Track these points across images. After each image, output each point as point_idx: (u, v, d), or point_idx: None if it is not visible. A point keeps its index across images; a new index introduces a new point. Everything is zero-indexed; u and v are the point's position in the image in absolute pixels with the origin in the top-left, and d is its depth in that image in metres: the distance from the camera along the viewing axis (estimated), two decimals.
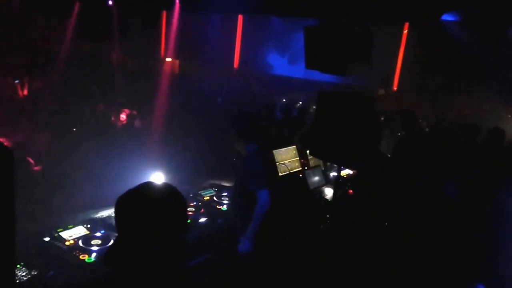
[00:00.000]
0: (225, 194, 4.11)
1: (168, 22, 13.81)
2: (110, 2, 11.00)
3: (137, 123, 6.87)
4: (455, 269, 2.96)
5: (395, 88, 9.70)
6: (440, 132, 6.26)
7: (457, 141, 5.39)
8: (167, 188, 1.43)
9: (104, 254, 1.38)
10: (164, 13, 13.74)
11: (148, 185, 1.43)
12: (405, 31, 9.45)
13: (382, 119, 7.98)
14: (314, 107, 6.56)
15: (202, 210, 3.70)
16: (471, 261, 3.00)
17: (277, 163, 4.76)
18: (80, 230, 3.00)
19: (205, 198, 3.99)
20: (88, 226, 3.07)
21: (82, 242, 2.86)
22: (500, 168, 3.73)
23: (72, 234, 2.94)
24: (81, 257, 2.71)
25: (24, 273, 2.46)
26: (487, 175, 3.20)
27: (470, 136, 5.48)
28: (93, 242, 2.88)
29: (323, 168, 5.19)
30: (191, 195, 3.98)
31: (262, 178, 3.29)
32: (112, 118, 6.84)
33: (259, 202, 3.24)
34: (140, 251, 1.30)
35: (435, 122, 7.49)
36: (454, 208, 3.07)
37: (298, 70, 10.49)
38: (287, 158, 4.98)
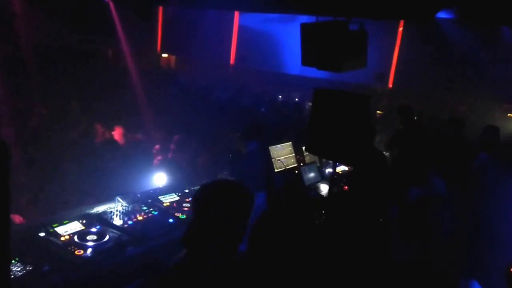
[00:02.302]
0: None
1: (165, 17, 13.76)
2: None
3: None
4: (449, 265, 2.99)
5: (390, 85, 9.74)
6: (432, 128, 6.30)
7: (447, 136, 5.43)
8: (239, 187, 1.75)
9: (183, 236, 1.69)
10: (161, 8, 13.67)
11: (225, 181, 1.87)
12: (400, 29, 9.47)
13: (378, 115, 8.03)
14: (309, 103, 6.58)
15: None
16: (464, 257, 3.03)
17: (273, 159, 4.78)
18: (75, 226, 3.00)
19: None
20: (84, 221, 3.07)
21: (78, 238, 2.86)
22: (493, 164, 3.78)
23: (68, 229, 2.94)
24: (76, 252, 2.71)
25: (19, 268, 2.46)
26: (478, 171, 3.23)
27: (456, 130, 5.53)
28: (88, 237, 2.88)
29: (318, 165, 5.22)
30: (187, 191, 3.99)
31: (258, 179, 3.22)
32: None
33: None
34: (208, 234, 1.61)
35: (429, 118, 7.54)
36: (443, 203, 3.10)
37: (294, 67, 10.49)
38: (282, 155, 5.00)
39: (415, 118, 6.24)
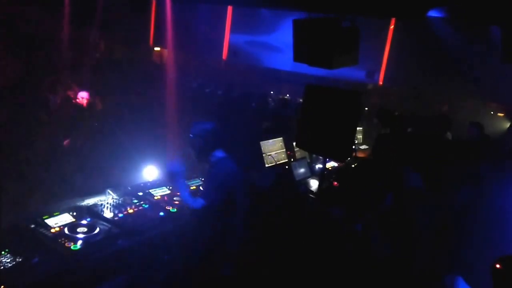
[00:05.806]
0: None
1: (158, 10, 13.65)
2: None
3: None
4: (432, 260, 3.04)
5: (381, 83, 9.81)
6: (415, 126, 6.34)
7: (431, 134, 5.49)
8: None
9: None
10: (154, 1, 13.56)
11: None
12: (392, 27, 9.54)
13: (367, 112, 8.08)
14: (300, 100, 6.61)
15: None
16: (448, 253, 3.09)
17: (264, 154, 4.82)
18: (66, 218, 3.00)
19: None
20: (74, 213, 3.07)
21: (68, 230, 2.87)
22: (474, 160, 3.85)
23: (58, 221, 2.94)
24: (66, 244, 2.71)
25: (9, 260, 2.46)
26: (459, 167, 3.29)
27: (442, 128, 5.59)
28: (78, 229, 2.89)
29: (308, 160, 5.26)
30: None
31: (212, 191, 3.09)
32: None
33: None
34: None
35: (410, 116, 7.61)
36: (420, 198, 3.15)
37: (286, 63, 10.51)
38: (273, 150, 5.04)
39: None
